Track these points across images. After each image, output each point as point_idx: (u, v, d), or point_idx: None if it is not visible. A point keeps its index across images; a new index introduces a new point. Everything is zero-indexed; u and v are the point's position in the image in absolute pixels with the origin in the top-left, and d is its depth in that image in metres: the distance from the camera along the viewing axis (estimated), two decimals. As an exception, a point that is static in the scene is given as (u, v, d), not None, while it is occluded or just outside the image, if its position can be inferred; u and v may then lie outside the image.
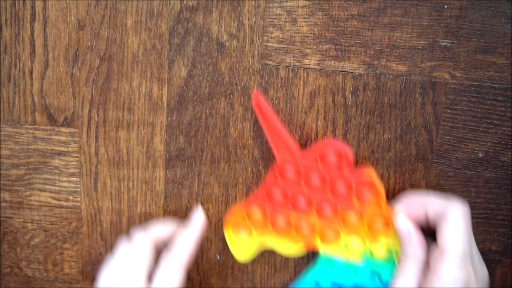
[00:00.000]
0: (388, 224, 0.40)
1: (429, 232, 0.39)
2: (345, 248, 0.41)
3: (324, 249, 0.41)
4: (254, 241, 0.42)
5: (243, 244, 0.42)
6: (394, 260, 0.40)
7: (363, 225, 0.40)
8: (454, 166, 0.42)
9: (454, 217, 0.36)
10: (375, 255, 0.41)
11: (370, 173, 0.39)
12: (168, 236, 0.42)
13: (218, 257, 0.46)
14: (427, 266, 0.37)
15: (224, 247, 0.46)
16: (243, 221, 0.42)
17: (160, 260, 0.40)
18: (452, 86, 0.40)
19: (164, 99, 0.42)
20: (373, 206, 0.40)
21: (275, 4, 0.39)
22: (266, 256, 0.45)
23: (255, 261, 0.46)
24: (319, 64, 0.40)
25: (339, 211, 0.40)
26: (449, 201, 0.37)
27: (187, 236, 0.41)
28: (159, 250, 0.42)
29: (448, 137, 0.41)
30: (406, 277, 0.37)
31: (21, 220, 0.47)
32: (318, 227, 0.41)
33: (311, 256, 0.44)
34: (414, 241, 0.38)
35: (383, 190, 0.39)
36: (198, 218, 0.42)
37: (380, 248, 0.40)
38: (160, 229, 0.42)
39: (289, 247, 0.42)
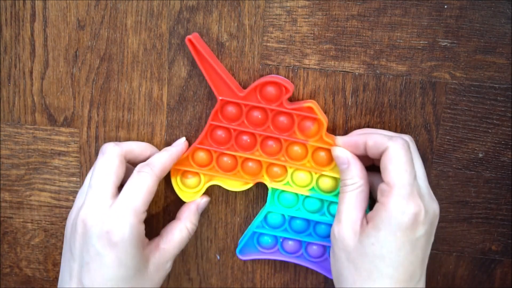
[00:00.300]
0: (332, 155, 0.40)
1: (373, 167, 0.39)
2: (292, 182, 0.41)
3: (271, 185, 0.41)
4: (201, 184, 0.42)
5: (190, 189, 0.42)
6: None
7: (308, 157, 0.40)
8: (454, 166, 0.42)
9: (395, 151, 0.35)
10: (322, 187, 0.41)
11: (312, 105, 0.39)
12: (140, 151, 0.41)
13: (218, 257, 0.46)
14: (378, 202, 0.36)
15: (224, 247, 0.46)
16: (189, 166, 0.42)
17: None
18: (452, 86, 0.40)
19: (164, 99, 0.42)
20: (316, 138, 0.39)
21: (275, 4, 0.39)
22: (266, 256, 0.45)
23: (255, 261, 0.46)
24: (319, 64, 0.40)
25: (283, 145, 0.40)
26: (390, 136, 0.37)
27: (165, 151, 0.41)
28: (130, 168, 0.41)
29: (448, 137, 0.41)
30: (348, 207, 0.37)
31: (21, 220, 0.47)
32: (264, 164, 0.41)
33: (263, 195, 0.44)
34: (353, 169, 0.37)
35: (326, 121, 0.39)
36: (180, 140, 0.42)
37: (327, 180, 0.40)
38: (132, 143, 0.41)
39: (237, 184, 0.42)
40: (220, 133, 0.40)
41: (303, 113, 0.39)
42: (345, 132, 0.41)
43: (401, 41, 0.39)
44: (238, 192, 0.44)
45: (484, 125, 0.41)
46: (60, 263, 0.48)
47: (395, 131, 0.41)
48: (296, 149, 0.40)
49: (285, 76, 0.41)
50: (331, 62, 0.40)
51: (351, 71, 0.40)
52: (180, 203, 0.45)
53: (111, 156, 0.39)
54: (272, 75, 0.40)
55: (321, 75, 0.41)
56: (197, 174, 0.42)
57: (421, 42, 0.39)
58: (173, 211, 0.45)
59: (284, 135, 0.39)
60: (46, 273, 0.48)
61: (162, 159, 0.40)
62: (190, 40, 0.38)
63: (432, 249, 0.44)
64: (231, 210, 0.45)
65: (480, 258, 0.44)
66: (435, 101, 0.40)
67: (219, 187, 0.44)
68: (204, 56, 0.38)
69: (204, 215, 0.45)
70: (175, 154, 0.41)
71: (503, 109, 0.40)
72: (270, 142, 0.40)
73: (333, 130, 0.42)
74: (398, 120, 0.41)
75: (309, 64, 0.40)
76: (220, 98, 0.39)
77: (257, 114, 0.39)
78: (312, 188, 0.41)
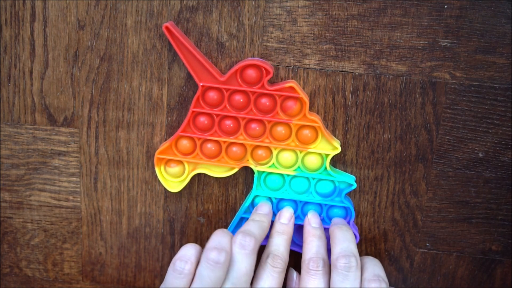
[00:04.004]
0: (317, 132, 0.40)
1: None
2: (278, 164, 0.41)
3: (257, 168, 0.41)
4: (185, 173, 0.42)
5: (175, 178, 0.42)
6: (327, 169, 0.41)
7: (292, 137, 0.40)
8: (454, 166, 0.42)
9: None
10: (307, 166, 0.41)
11: (293, 85, 0.39)
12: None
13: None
14: None
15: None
16: (173, 155, 0.42)
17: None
18: (452, 86, 0.40)
19: (164, 99, 0.42)
20: (300, 116, 0.40)
21: (275, 4, 0.39)
22: (266, 256, 0.45)
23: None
24: (319, 64, 0.40)
25: (267, 127, 0.40)
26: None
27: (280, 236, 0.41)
28: None
29: (448, 137, 0.41)
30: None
31: (21, 220, 0.47)
32: (248, 147, 0.41)
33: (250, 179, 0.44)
34: None
35: (307, 99, 0.39)
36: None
37: (312, 157, 0.41)
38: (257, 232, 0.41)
39: (222, 170, 0.42)
40: (202, 119, 0.41)
41: (285, 93, 0.39)
42: (345, 132, 0.42)
43: (401, 41, 0.39)
44: (239, 192, 0.44)
45: (484, 125, 0.41)
46: (59, 263, 0.48)
47: (395, 131, 0.41)
48: (280, 129, 0.40)
49: (285, 76, 0.41)
50: (331, 62, 0.40)
51: (351, 71, 0.40)
52: (180, 203, 0.45)
53: (253, 253, 0.39)
54: (251, 58, 0.40)
55: (321, 75, 0.41)
56: (181, 162, 0.42)
57: (421, 42, 0.39)
58: (173, 211, 0.45)
59: (268, 117, 0.40)
60: (46, 273, 0.48)
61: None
62: (167, 28, 0.38)
63: (432, 249, 0.44)
64: (231, 210, 0.45)
65: (480, 258, 0.44)
66: (435, 101, 0.40)
67: (220, 186, 0.44)
68: (183, 43, 0.39)
69: (204, 215, 0.45)
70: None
71: (503, 109, 0.40)
72: (254, 125, 0.40)
73: (333, 130, 0.42)
74: (398, 120, 0.41)
75: (309, 64, 0.40)
76: (201, 84, 0.39)
77: (239, 97, 0.40)
78: (298, 168, 0.41)
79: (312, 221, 0.41)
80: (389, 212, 0.43)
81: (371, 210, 0.43)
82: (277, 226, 0.41)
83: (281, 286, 0.39)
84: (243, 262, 0.38)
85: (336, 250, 0.39)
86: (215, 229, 0.45)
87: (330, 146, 0.40)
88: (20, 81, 0.43)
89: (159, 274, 0.47)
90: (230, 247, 0.38)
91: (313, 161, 0.41)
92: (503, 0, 0.38)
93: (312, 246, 0.40)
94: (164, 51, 0.41)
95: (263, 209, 0.42)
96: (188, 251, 0.38)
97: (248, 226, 0.40)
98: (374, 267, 0.39)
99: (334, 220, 0.42)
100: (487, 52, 0.39)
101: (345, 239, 0.39)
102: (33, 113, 0.44)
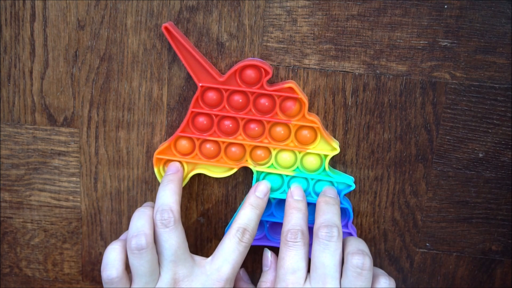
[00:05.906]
0: (316, 133, 0.40)
1: None
2: (276, 164, 0.41)
3: (256, 168, 0.41)
4: (184, 173, 0.42)
5: None
6: (326, 170, 0.41)
7: (291, 137, 0.40)
8: (454, 166, 0.42)
9: None
10: (306, 166, 0.41)
11: (292, 85, 0.39)
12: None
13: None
14: None
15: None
16: (172, 155, 0.42)
17: None
18: (452, 86, 0.40)
19: (164, 99, 0.42)
20: (299, 117, 0.40)
21: (275, 4, 0.39)
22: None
23: (255, 261, 0.46)
24: (319, 64, 0.40)
25: (266, 127, 0.40)
26: None
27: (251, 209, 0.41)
28: None
29: (448, 137, 0.41)
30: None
31: (21, 220, 0.47)
32: (247, 147, 0.41)
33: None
34: (271, 274, 0.42)
35: (307, 100, 0.39)
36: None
37: (311, 158, 0.41)
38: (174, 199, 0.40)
39: (221, 171, 0.42)
40: (201, 119, 0.41)
41: (284, 94, 0.39)
42: (345, 132, 0.42)
43: (401, 41, 0.39)
44: (239, 192, 0.44)
45: (484, 125, 0.41)
46: (59, 263, 0.48)
47: (395, 131, 0.41)
48: (279, 130, 0.40)
49: (285, 76, 0.41)
50: (331, 62, 0.40)
51: (351, 71, 0.40)
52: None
53: (177, 225, 0.39)
54: (250, 58, 0.40)
55: (321, 75, 0.41)
56: (180, 163, 0.42)
57: (421, 42, 0.39)
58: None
59: (267, 117, 0.40)
60: (46, 273, 0.48)
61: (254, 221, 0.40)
62: (166, 28, 0.38)
63: (432, 249, 0.44)
64: (231, 210, 0.45)
65: (480, 258, 0.44)
66: (435, 101, 0.40)
67: (219, 186, 0.44)
68: (182, 43, 0.39)
69: (204, 215, 0.45)
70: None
71: (503, 109, 0.40)
72: (253, 125, 0.40)
73: (333, 130, 0.42)
74: (398, 120, 0.41)
75: (309, 64, 0.40)
76: (200, 84, 0.40)
77: (238, 98, 0.40)
78: (297, 168, 0.41)
79: (294, 194, 0.41)
80: (389, 212, 0.43)
81: (371, 210, 0.43)
82: (252, 199, 0.41)
83: (243, 258, 0.40)
84: (171, 238, 0.38)
85: (319, 220, 0.39)
86: (215, 229, 0.45)
87: (329, 147, 0.40)
88: (20, 81, 0.43)
89: (159, 274, 0.47)
90: (150, 225, 0.38)
91: (312, 162, 0.41)
92: (503, 0, 0.38)
93: (292, 218, 0.39)
94: (164, 51, 0.41)
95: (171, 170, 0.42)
96: (110, 255, 0.39)
97: (160, 200, 0.39)
98: (358, 243, 0.39)
99: (325, 189, 0.41)
100: (487, 52, 0.39)
101: (329, 211, 0.39)
102: (33, 113, 0.44)
